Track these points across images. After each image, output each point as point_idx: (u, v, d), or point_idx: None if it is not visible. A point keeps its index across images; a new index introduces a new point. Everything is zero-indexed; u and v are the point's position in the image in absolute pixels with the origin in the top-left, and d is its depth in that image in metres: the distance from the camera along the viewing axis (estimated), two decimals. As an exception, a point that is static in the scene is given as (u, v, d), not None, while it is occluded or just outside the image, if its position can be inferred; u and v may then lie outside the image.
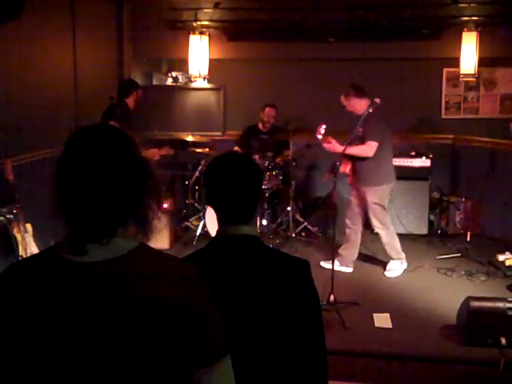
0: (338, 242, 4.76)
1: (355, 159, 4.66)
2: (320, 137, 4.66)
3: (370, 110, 4.42)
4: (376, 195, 4.73)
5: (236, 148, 6.07)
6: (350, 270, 4.88)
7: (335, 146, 4.65)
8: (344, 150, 4.49)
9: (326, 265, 4.75)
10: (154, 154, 4.92)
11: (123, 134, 1.15)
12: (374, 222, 4.80)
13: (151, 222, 1.14)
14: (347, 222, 4.90)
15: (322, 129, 4.63)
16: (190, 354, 1.06)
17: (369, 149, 4.56)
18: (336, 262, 4.74)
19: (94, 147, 1.09)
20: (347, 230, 4.89)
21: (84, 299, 1.04)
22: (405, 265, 4.88)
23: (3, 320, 1.06)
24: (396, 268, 4.83)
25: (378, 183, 4.71)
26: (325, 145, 4.71)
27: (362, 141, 4.58)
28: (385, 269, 4.88)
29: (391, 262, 4.87)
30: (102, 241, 1.06)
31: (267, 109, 6.03)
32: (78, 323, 1.03)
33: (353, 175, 4.77)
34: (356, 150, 4.60)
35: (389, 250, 4.83)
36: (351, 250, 4.88)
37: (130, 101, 5.07)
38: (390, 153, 4.78)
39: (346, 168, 4.74)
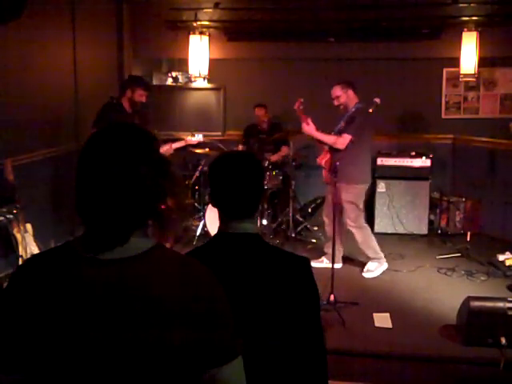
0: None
1: (334, 153, 4.61)
2: (297, 109, 4.66)
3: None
4: (350, 193, 4.67)
5: (240, 147, 6.09)
6: (339, 265, 4.86)
7: (310, 129, 4.66)
8: (316, 133, 4.61)
9: (316, 264, 4.77)
10: (167, 150, 4.80)
11: (144, 134, 1.14)
12: (347, 220, 4.76)
13: (169, 223, 1.15)
14: (325, 219, 4.88)
15: (299, 102, 4.65)
16: (200, 354, 1.07)
17: (341, 140, 4.54)
18: (325, 260, 4.88)
19: (113, 148, 1.09)
20: (326, 228, 4.89)
21: (97, 297, 1.05)
22: (385, 265, 4.84)
23: (18, 313, 1.07)
24: (373, 269, 4.78)
25: (354, 181, 4.67)
26: (303, 125, 4.67)
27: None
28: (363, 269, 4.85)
29: (369, 262, 4.82)
30: (114, 249, 1.07)
31: (256, 109, 6.09)
32: (90, 321, 1.04)
33: (329, 170, 4.67)
34: (326, 138, 4.59)
35: (365, 249, 4.80)
36: (336, 246, 4.84)
37: (125, 101, 4.72)
38: (367, 152, 4.77)
39: (322, 160, 4.73)
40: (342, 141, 4.54)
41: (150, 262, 1.09)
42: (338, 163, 4.32)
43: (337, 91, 4.70)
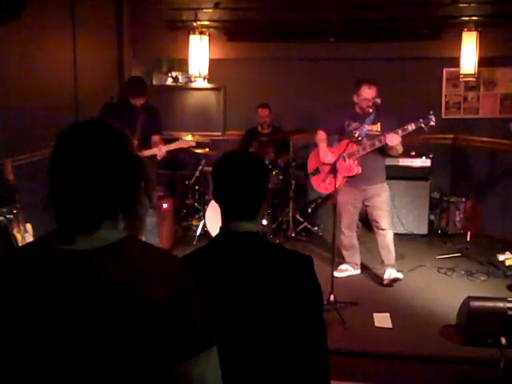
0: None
1: (370, 156, 4.39)
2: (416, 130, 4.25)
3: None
4: (387, 193, 4.55)
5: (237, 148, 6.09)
6: (358, 271, 4.80)
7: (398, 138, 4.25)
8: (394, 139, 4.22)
9: (340, 274, 4.62)
10: (154, 151, 4.64)
11: (116, 130, 1.16)
12: (383, 224, 4.52)
13: (141, 218, 1.16)
14: (345, 230, 4.68)
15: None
16: (172, 346, 1.07)
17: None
18: (349, 268, 4.74)
19: (85, 142, 1.11)
20: (347, 239, 4.71)
21: (68, 287, 1.05)
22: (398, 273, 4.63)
23: None
24: (396, 275, 4.54)
25: (385, 179, 4.60)
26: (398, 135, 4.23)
27: (371, 140, 4.36)
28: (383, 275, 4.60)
29: (389, 269, 4.54)
30: (87, 231, 1.08)
31: (259, 109, 6.08)
32: (62, 311, 1.04)
33: (356, 174, 4.44)
34: (400, 149, 4.36)
35: (392, 251, 4.56)
36: (357, 254, 4.80)
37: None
38: None
39: (355, 162, 4.42)
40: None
41: (120, 252, 1.10)
42: (338, 163, 4.27)
43: (375, 92, 4.38)
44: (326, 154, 4.61)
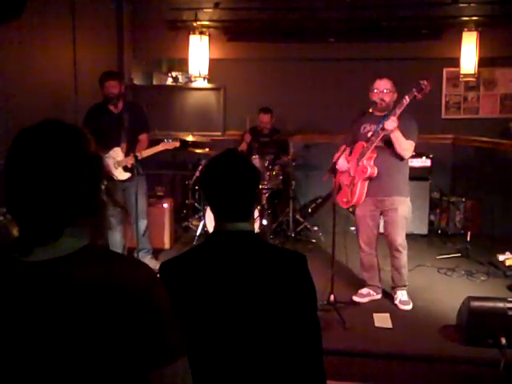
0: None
1: (386, 161, 4.02)
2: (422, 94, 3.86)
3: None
4: (407, 207, 4.12)
5: (240, 148, 6.06)
6: (380, 296, 4.32)
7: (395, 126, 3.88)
8: (398, 133, 3.89)
9: (360, 299, 4.21)
10: (125, 161, 4.52)
11: (70, 129, 1.11)
12: (400, 241, 4.08)
13: (104, 220, 1.13)
14: (365, 247, 4.23)
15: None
16: (138, 357, 1.04)
17: (412, 148, 3.99)
18: (371, 292, 4.27)
19: (35, 145, 1.06)
20: (367, 257, 4.25)
21: (28, 298, 1.02)
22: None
23: None
24: (407, 298, 4.17)
25: (406, 194, 4.12)
26: (395, 119, 3.88)
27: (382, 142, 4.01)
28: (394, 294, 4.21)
29: (399, 291, 4.17)
30: (47, 243, 1.05)
31: (260, 114, 5.97)
32: (21, 322, 1.01)
33: (374, 182, 4.05)
34: (404, 142, 3.92)
35: (402, 273, 4.15)
36: (378, 275, 4.30)
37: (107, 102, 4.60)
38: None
39: (370, 161, 4.03)
40: (412, 149, 4.00)
41: (81, 261, 1.05)
42: (338, 163, 4.12)
43: (388, 84, 4.13)
44: (341, 162, 4.12)
